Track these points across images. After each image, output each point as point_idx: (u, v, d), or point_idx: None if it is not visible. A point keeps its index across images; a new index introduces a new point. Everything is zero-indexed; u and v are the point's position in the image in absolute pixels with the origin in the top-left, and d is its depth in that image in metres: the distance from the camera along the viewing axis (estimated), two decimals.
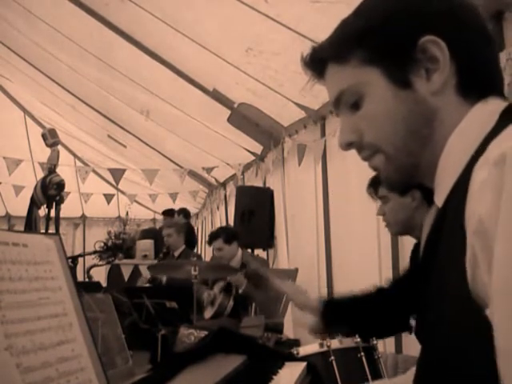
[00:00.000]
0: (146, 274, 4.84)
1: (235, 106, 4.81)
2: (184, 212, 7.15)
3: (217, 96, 4.81)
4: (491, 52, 0.77)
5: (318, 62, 0.83)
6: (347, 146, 0.82)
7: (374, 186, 2.08)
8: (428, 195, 1.92)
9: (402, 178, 0.80)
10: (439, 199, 0.74)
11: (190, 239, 6.15)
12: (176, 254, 5.07)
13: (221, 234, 4.07)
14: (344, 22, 0.81)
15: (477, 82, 0.74)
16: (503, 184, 0.58)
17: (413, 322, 1.95)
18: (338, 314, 1.91)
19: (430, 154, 0.75)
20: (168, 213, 7.15)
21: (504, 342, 0.56)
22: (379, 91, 0.76)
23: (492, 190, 0.59)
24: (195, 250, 7.12)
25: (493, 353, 0.58)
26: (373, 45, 0.76)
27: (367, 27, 0.76)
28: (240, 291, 3.80)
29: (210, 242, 4.12)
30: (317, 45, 0.83)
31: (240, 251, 4.12)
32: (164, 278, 4.63)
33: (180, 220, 6.43)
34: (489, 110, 0.72)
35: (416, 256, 2.11)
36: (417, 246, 2.12)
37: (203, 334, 1.68)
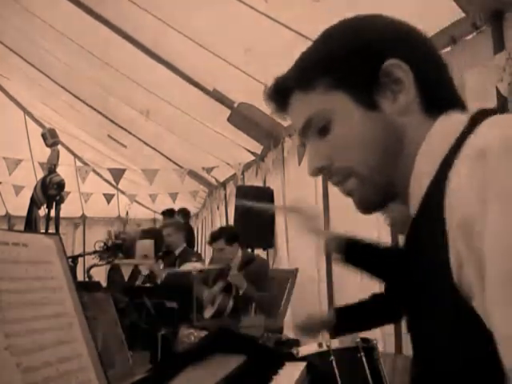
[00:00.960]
0: (145, 272, 4.84)
1: (235, 105, 4.81)
2: (183, 212, 7.15)
3: (217, 96, 4.81)
4: (446, 73, 0.80)
5: (282, 91, 0.83)
6: (317, 172, 0.82)
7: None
8: None
9: (377, 198, 0.81)
10: (413, 208, 0.76)
11: (189, 239, 6.15)
12: (176, 252, 5.07)
13: (223, 235, 4.05)
14: (306, 51, 0.82)
15: (438, 99, 0.77)
16: (486, 180, 0.58)
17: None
18: (348, 324, 2.02)
19: (401, 171, 0.77)
20: (168, 213, 7.15)
21: (505, 329, 0.57)
22: (347, 114, 0.77)
23: (474, 186, 0.60)
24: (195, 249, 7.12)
25: (481, 343, 0.60)
26: (337, 71, 0.78)
27: (330, 55, 0.78)
28: (240, 292, 3.79)
29: (210, 243, 4.11)
30: (279, 76, 0.84)
31: (240, 251, 4.11)
32: (163, 275, 4.63)
33: (179, 220, 6.43)
34: (453, 119, 0.74)
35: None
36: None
37: (203, 334, 1.68)
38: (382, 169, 0.77)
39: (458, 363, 0.65)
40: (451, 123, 0.73)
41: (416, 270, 0.73)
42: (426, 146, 0.75)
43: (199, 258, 5.14)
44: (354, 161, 0.78)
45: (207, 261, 5.57)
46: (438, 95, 0.77)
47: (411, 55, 0.76)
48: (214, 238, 4.07)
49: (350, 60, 0.77)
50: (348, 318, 2.04)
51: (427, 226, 0.69)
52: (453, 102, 0.78)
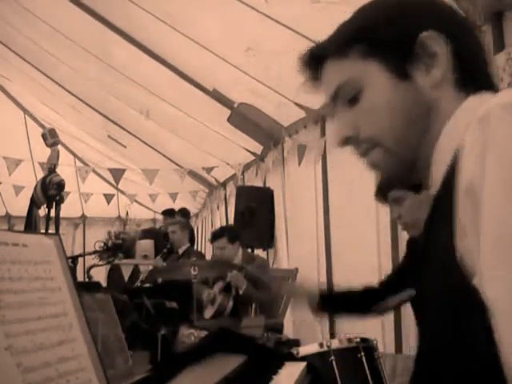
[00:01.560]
0: (145, 270, 4.85)
1: (235, 105, 4.81)
2: (182, 212, 7.15)
3: (217, 96, 4.81)
4: (483, 53, 0.79)
5: (316, 58, 0.83)
6: (344, 141, 0.82)
7: (382, 191, 2.05)
8: None
9: (401, 172, 0.81)
10: (434, 188, 0.75)
11: (191, 238, 6.15)
12: (180, 251, 5.07)
13: (225, 233, 4.06)
14: (344, 21, 0.83)
15: (472, 76, 0.76)
16: (486, 144, 0.58)
17: None
18: (333, 306, 2.13)
19: (427, 146, 0.76)
20: (168, 212, 7.15)
21: (503, 306, 0.56)
22: (379, 83, 0.77)
23: (476, 150, 0.60)
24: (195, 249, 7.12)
25: (481, 321, 0.59)
26: (372, 39, 0.77)
27: (367, 23, 0.79)
28: (240, 292, 3.79)
29: (212, 241, 4.11)
30: (315, 44, 0.84)
31: (241, 251, 4.12)
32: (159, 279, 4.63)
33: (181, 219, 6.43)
34: (483, 98, 0.73)
35: (411, 250, 2.13)
36: (412, 241, 2.14)
37: (203, 334, 1.68)
38: (408, 141, 0.77)
39: (461, 340, 0.64)
40: (480, 102, 0.71)
41: (432, 251, 0.72)
42: (451, 123, 0.74)
43: (201, 258, 5.15)
44: (380, 130, 0.78)
45: None
46: (473, 73, 0.76)
47: (449, 29, 0.75)
48: (216, 236, 4.08)
49: (387, 29, 0.77)
50: (332, 300, 2.10)
51: (446, 205, 0.67)
52: (486, 82, 0.77)
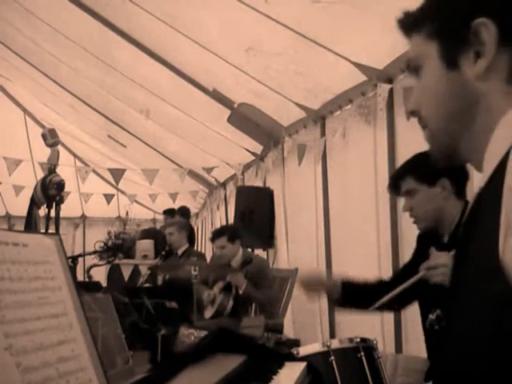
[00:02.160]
0: (145, 273, 4.84)
1: (235, 106, 4.81)
2: (181, 211, 7.15)
3: (217, 96, 4.81)
4: None
5: (404, 26, 0.85)
6: (410, 115, 0.85)
7: (394, 183, 2.06)
8: (458, 186, 1.93)
9: (441, 156, 0.82)
10: (484, 179, 0.74)
11: (190, 238, 6.15)
12: (179, 252, 5.07)
13: (226, 232, 4.07)
14: None
15: None
16: None
17: None
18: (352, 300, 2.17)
19: (470, 137, 0.76)
20: (169, 212, 7.16)
21: None
22: (432, 67, 0.79)
23: None
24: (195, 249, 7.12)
25: None
26: (435, 21, 0.78)
27: (433, 3, 0.79)
28: (240, 292, 3.79)
29: (213, 240, 4.11)
30: (407, 10, 0.85)
31: (241, 250, 4.12)
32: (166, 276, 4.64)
33: (179, 219, 6.43)
34: None
35: (421, 245, 2.13)
36: (421, 237, 2.14)
37: (203, 334, 1.68)
38: (449, 130, 0.78)
39: (503, 358, 0.62)
40: None
41: (473, 249, 0.70)
42: (507, 119, 0.71)
43: (202, 258, 5.14)
44: (428, 115, 0.80)
45: (207, 261, 5.57)
46: None
47: (508, 18, 0.72)
48: (217, 235, 4.08)
49: (446, 12, 0.76)
50: (353, 294, 2.14)
51: (491, 201, 0.65)
52: None
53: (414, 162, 1.99)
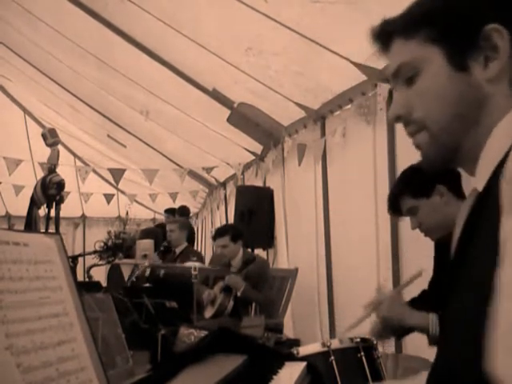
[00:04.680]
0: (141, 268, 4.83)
1: (235, 105, 4.81)
2: (181, 210, 7.15)
3: (217, 96, 4.81)
4: None
5: (385, 34, 0.86)
6: (396, 118, 0.85)
7: (393, 205, 2.04)
8: (454, 188, 1.92)
9: (440, 159, 0.83)
10: (480, 183, 0.75)
11: (189, 237, 6.14)
12: (178, 250, 5.06)
13: (229, 231, 4.06)
14: (417, 1, 0.84)
15: None
16: None
17: None
18: None
19: (472, 139, 0.77)
20: (170, 211, 7.17)
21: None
22: (436, 70, 0.79)
23: None
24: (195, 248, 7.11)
25: None
26: (440, 25, 0.79)
27: (438, 7, 0.79)
28: (238, 294, 3.78)
29: (215, 238, 4.11)
30: (386, 18, 0.86)
31: (241, 250, 4.12)
32: (162, 272, 4.61)
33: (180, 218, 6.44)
34: None
35: (441, 255, 2.11)
36: (440, 246, 2.12)
37: (203, 333, 1.68)
38: (453, 131, 0.79)
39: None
40: None
41: (471, 250, 0.71)
42: (505, 125, 0.73)
43: (200, 258, 5.14)
44: (429, 115, 0.80)
45: (207, 260, 5.57)
46: None
47: None
48: (220, 233, 4.07)
49: (455, 17, 0.77)
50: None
51: (490, 204, 0.66)
52: None
53: (404, 180, 1.98)
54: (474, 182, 0.77)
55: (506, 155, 0.66)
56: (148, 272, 4.52)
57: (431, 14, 0.80)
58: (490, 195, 0.69)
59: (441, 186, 1.91)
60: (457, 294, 0.74)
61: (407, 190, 1.95)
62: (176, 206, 7.66)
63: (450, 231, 2.02)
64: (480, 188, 0.75)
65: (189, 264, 3.99)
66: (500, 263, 0.58)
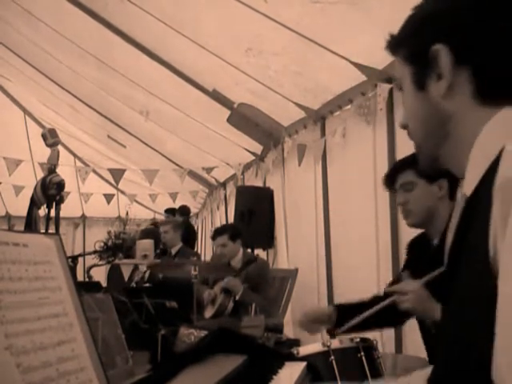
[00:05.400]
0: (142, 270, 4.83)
1: (235, 106, 4.81)
2: (181, 210, 7.15)
3: (217, 96, 4.81)
4: None
5: (388, 48, 0.91)
6: (402, 127, 0.92)
7: (392, 176, 2.05)
8: (452, 189, 1.93)
9: (428, 166, 0.90)
10: (468, 188, 0.77)
11: (189, 237, 6.14)
12: (173, 251, 5.05)
13: (227, 231, 4.07)
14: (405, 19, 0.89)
15: (497, 86, 0.76)
16: None
17: None
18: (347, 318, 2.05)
19: (447, 151, 0.82)
20: (170, 211, 7.18)
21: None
22: (407, 89, 0.85)
23: None
24: (195, 249, 7.11)
25: None
26: (405, 47, 0.85)
27: (404, 29, 0.86)
28: (237, 297, 3.78)
29: (214, 237, 4.11)
30: (392, 34, 0.90)
31: (241, 250, 4.12)
32: (160, 275, 4.62)
33: (178, 218, 6.43)
34: None
35: (412, 253, 2.13)
36: (411, 245, 2.14)
37: (203, 333, 1.68)
38: (429, 145, 0.85)
39: (485, 345, 0.63)
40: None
41: (464, 250, 0.73)
42: (486, 135, 0.75)
43: (197, 257, 5.14)
44: (410, 129, 0.88)
45: (207, 260, 5.57)
46: (498, 82, 0.76)
47: (465, 40, 0.77)
48: (219, 232, 4.08)
49: (412, 39, 0.83)
50: (349, 317, 2.06)
51: (480, 207, 0.68)
52: None
53: (416, 156, 1.99)
54: (463, 188, 0.79)
55: (496, 162, 0.68)
56: (147, 276, 4.53)
57: (400, 35, 0.86)
58: (478, 202, 0.71)
59: (445, 181, 1.92)
60: (449, 307, 0.76)
61: (415, 166, 1.96)
62: (176, 206, 7.67)
63: (426, 224, 2.04)
64: (468, 192, 0.77)
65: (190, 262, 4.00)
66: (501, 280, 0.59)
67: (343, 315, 2.10)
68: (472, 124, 0.77)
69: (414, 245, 2.15)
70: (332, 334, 2.08)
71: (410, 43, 0.83)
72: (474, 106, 0.77)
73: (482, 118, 0.76)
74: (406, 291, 1.80)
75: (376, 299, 2.06)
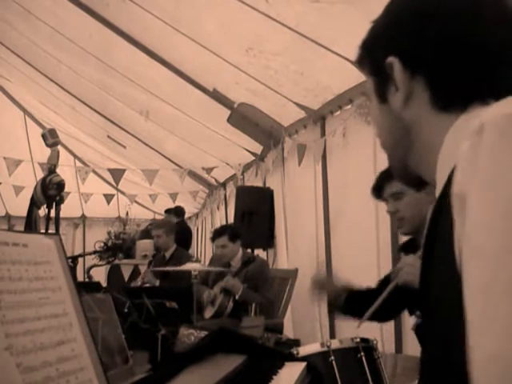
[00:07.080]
0: (144, 272, 4.82)
1: (235, 106, 4.81)
2: (175, 211, 7.14)
3: (217, 96, 4.81)
4: (481, 53, 0.76)
5: (357, 64, 0.92)
6: (378, 137, 0.92)
7: (377, 188, 2.07)
8: None
9: (400, 176, 0.90)
10: (438, 191, 0.78)
11: (184, 238, 6.10)
12: (167, 254, 4.98)
13: (227, 231, 4.07)
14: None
15: (452, 93, 0.77)
16: (480, 149, 0.58)
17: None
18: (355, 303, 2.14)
19: (414, 159, 0.83)
20: (170, 211, 7.17)
21: (475, 316, 0.54)
22: (373, 101, 0.86)
23: (470, 156, 0.60)
24: (191, 250, 7.07)
25: None
26: (367, 61, 0.86)
27: (365, 45, 0.86)
28: (237, 297, 3.78)
29: (213, 239, 4.12)
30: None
31: (241, 250, 4.12)
32: (157, 283, 4.61)
33: (171, 219, 6.38)
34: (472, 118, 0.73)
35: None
36: (403, 248, 2.17)
37: (203, 334, 1.68)
38: (396, 156, 0.86)
39: (458, 344, 0.62)
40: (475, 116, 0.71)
41: (434, 250, 0.73)
42: (448, 143, 0.76)
43: (191, 259, 5.10)
44: (380, 140, 0.89)
45: (207, 261, 5.57)
46: (454, 89, 0.76)
47: (416, 50, 0.78)
48: (218, 233, 4.08)
49: (370, 53, 0.84)
50: (356, 303, 2.13)
51: (442, 216, 0.69)
52: (478, 92, 0.75)
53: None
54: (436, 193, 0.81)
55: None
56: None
57: (363, 47, 0.87)
58: (440, 214, 0.71)
59: (433, 187, 1.92)
60: (426, 307, 0.77)
61: None
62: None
63: (418, 231, 2.05)
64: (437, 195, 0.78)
65: (189, 266, 3.99)
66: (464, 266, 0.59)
67: (351, 300, 2.16)
68: (433, 131, 0.78)
69: (404, 249, 2.16)
70: (331, 311, 2.13)
71: (369, 57, 0.84)
72: (432, 115, 0.78)
73: (441, 125, 0.76)
74: (403, 265, 1.83)
75: (381, 285, 2.09)
